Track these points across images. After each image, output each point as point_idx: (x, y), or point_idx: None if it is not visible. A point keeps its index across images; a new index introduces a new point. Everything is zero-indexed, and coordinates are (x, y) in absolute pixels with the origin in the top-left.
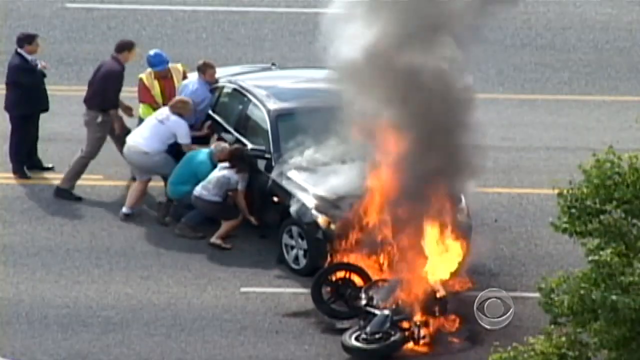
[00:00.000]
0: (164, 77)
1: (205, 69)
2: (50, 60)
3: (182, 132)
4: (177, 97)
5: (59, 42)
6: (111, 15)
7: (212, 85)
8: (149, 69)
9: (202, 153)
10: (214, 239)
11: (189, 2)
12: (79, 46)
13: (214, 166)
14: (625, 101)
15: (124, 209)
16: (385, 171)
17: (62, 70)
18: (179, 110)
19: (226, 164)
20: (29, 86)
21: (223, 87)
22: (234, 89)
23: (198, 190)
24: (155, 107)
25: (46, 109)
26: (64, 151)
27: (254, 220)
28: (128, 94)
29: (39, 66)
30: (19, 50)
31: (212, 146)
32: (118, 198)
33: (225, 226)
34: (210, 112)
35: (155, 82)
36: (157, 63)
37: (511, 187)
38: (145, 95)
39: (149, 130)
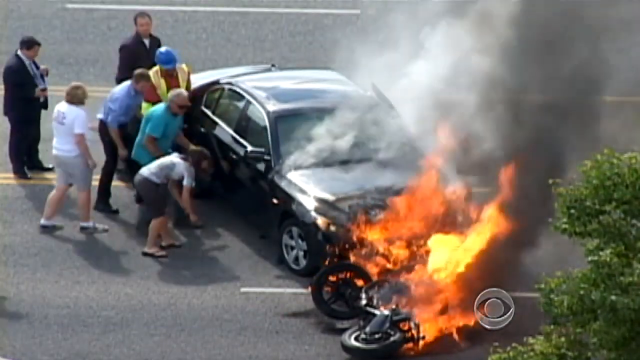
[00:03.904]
0: (170, 76)
1: (141, 81)
2: (50, 60)
3: (78, 121)
4: (70, 85)
5: (59, 42)
6: (111, 16)
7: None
8: (156, 67)
9: (160, 107)
10: (147, 249)
11: (189, 2)
12: (80, 47)
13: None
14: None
15: (42, 220)
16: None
17: (63, 70)
18: (73, 98)
19: (182, 155)
20: (22, 88)
21: (223, 89)
22: (234, 91)
23: (142, 168)
24: None
25: (44, 108)
26: None
27: (196, 219)
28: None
29: (41, 68)
30: (19, 52)
31: (169, 95)
32: (118, 198)
33: (150, 231)
34: (205, 109)
35: (162, 81)
36: (167, 61)
37: None
38: (150, 94)
39: (55, 135)
